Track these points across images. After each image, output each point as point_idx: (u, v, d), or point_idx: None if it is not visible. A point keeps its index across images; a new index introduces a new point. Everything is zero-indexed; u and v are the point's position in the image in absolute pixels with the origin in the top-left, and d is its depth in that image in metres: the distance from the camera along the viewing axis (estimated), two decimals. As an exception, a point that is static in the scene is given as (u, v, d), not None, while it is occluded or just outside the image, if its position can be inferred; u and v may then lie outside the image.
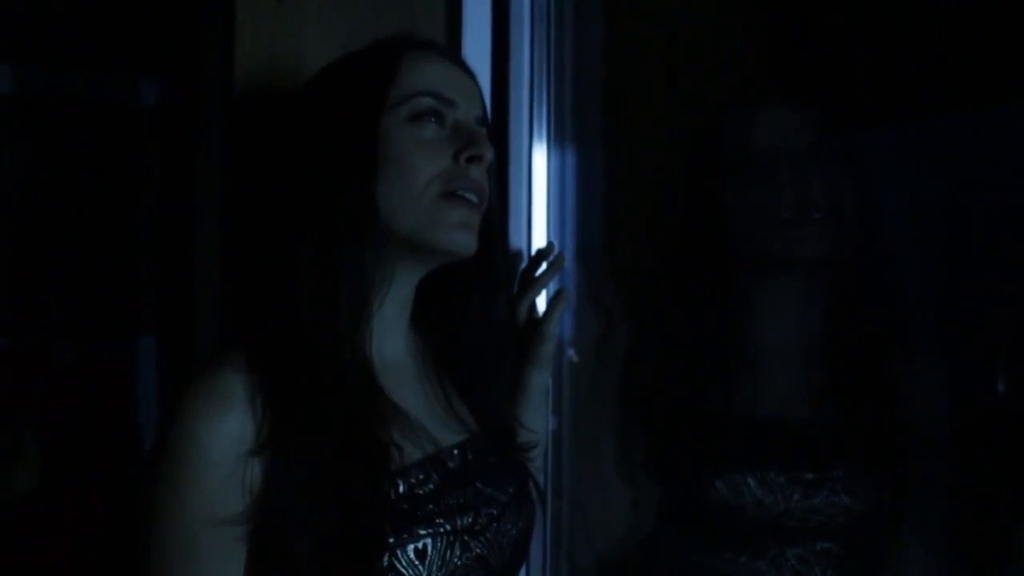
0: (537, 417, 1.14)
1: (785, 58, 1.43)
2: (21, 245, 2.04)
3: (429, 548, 0.83)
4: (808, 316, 1.25)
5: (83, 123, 2.07)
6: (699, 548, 1.22)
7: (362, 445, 0.84)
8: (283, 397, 0.83)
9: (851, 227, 1.20)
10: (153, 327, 2.11)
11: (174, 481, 0.81)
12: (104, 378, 2.01)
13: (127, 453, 1.95)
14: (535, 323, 1.12)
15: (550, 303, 1.12)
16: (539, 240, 1.28)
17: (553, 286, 1.16)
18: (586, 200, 1.34)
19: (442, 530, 0.85)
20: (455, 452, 0.94)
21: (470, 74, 0.99)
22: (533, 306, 1.15)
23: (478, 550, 0.88)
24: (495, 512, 0.92)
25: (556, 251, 1.18)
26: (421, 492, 0.87)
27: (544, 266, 1.17)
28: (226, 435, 0.81)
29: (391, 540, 0.82)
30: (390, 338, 0.96)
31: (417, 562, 0.83)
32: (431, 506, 0.86)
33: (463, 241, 0.92)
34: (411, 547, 0.83)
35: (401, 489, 0.85)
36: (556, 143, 1.31)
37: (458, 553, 0.86)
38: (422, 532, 0.84)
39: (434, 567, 0.83)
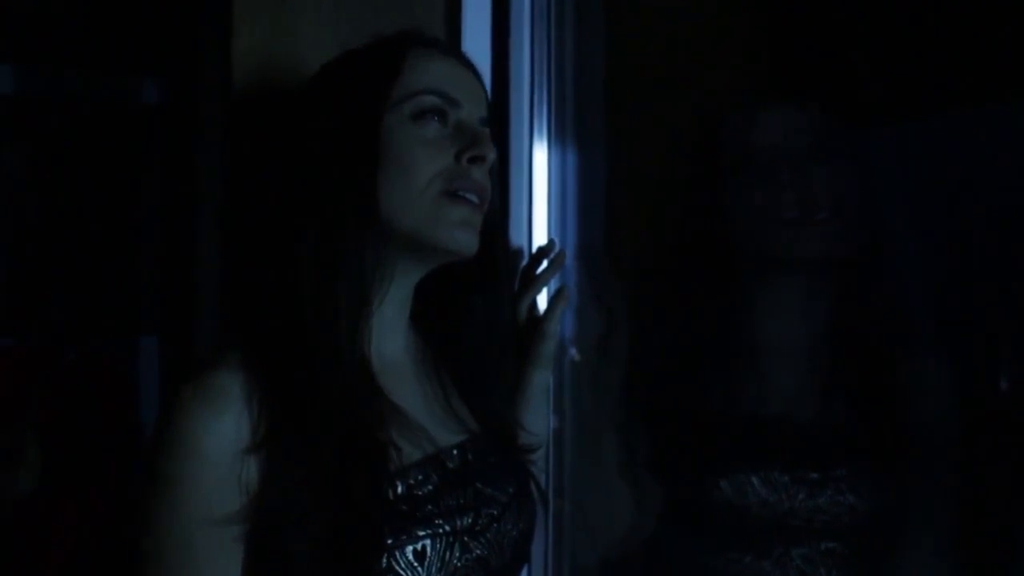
0: (539, 416, 1.14)
1: (786, 57, 1.43)
2: (22, 245, 2.04)
3: (428, 549, 0.83)
4: (811, 315, 1.25)
5: (84, 123, 2.07)
6: (703, 548, 1.21)
7: (360, 445, 0.84)
8: (280, 395, 0.83)
9: (853, 226, 1.20)
10: (154, 327, 2.11)
11: (170, 480, 0.80)
12: (105, 378, 2.01)
13: (128, 453, 1.95)
14: (536, 321, 1.12)
15: (551, 301, 1.12)
16: (540, 239, 1.27)
17: (554, 284, 1.16)
18: (587, 198, 1.33)
19: (441, 531, 0.84)
20: (455, 452, 0.93)
21: (475, 73, 0.99)
22: (534, 304, 1.14)
23: (478, 551, 0.87)
24: (495, 512, 0.91)
25: (557, 249, 1.18)
26: (420, 493, 0.86)
27: (545, 264, 1.16)
28: (222, 433, 0.80)
29: (389, 541, 0.81)
30: (389, 337, 0.96)
31: (416, 563, 0.82)
32: (430, 507, 0.85)
33: (464, 240, 0.92)
34: (410, 548, 0.82)
35: (400, 490, 0.85)
36: (557, 141, 1.30)
37: (458, 554, 0.85)
38: (421, 533, 0.83)
39: (433, 568, 0.83)
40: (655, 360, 1.31)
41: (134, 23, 2.06)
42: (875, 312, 1.25)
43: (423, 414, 0.94)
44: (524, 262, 1.21)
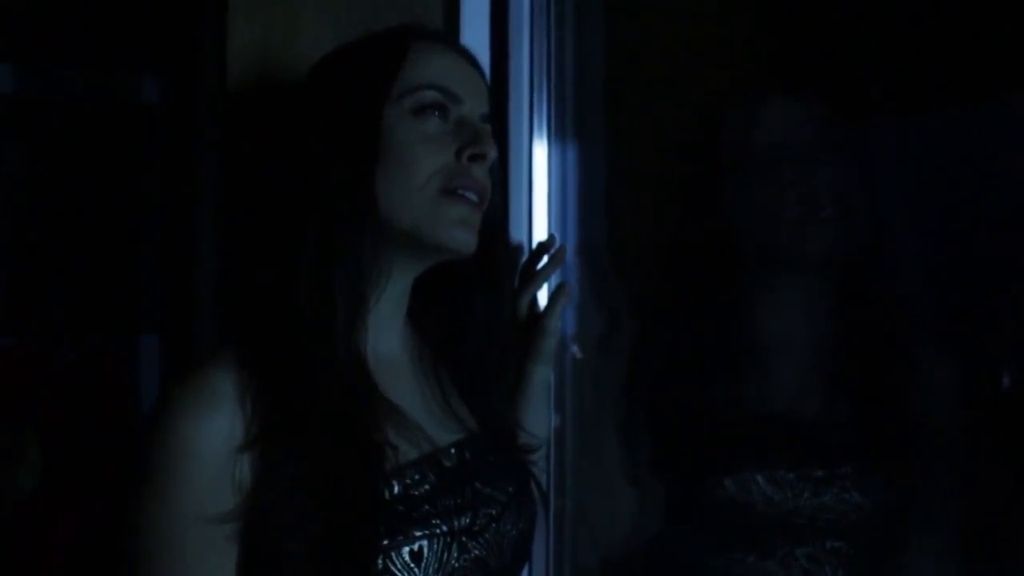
0: (539, 414, 1.13)
1: (787, 54, 1.42)
2: (22, 244, 2.04)
3: (425, 550, 0.82)
4: (815, 313, 1.24)
5: (83, 121, 2.07)
6: (706, 548, 1.21)
7: (356, 444, 0.83)
8: (275, 393, 0.82)
9: (857, 224, 1.19)
10: (155, 325, 2.11)
11: (162, 478, 0.79)
12: (106, 377, 2.00)
13: (129, 453, 1.95)
14: (536, 317, 1.11)
15: (552, 297, 1.11)
16: (540, 236, 1.27)
17: (554, 281, 1.15)
18: (587, 195, 1.33)
19: (438, 531, 0.83)
20: (452, 451, 0.92)
21: (478, 69, 0.98)
22: (534, 300, 1.14)
23: (477, 551, 0.86)
24: (494, 512, 0.90)
25: (557, 244, 1.17)
26: (417, 492, 0.85)
27: (545, 259, 1.15)
28: (215, 431, 0.79)
29: (385, 542, 0.80)
30: (386, 335, 0.95)
31: (412, 564, 0.81)
32: (427, 507, 0.84)
33: (463, 239, 0.91)
34: (406, 549, 0.81)
35: (396, 489, 0.84)
36: (557, 138, 1.30)
37: (455, 555, 0.84)
38: (417, 534, 0.82)
39: (431, 569, 0.82)
40: (657, 358, 1.30)
41: (134, 21, 2.05)
42: (880, 309, 1.24)
43: (420, 412, 0.93)
44: (524, 259, 1.21)
